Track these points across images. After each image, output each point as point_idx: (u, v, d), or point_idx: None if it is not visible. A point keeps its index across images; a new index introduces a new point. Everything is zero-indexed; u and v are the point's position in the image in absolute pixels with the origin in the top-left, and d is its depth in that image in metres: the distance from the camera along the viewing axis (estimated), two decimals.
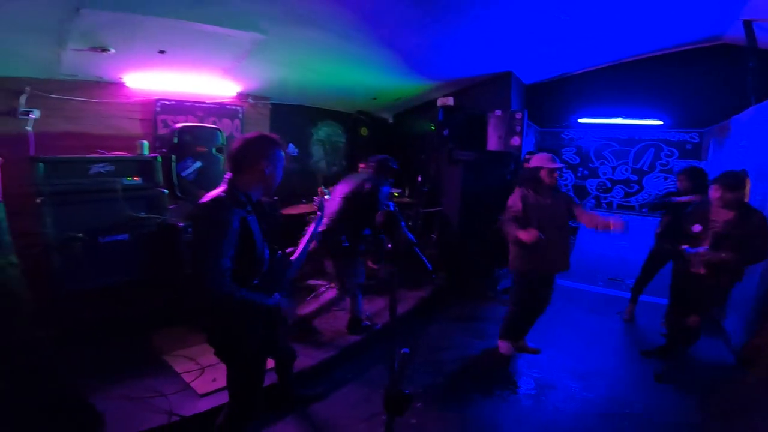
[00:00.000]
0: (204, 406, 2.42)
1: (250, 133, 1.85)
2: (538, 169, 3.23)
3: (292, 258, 2.09)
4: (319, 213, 2.67)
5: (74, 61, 3.13)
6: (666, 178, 5.90)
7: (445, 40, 4.10)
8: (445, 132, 5.16)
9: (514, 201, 3.23)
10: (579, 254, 5.56)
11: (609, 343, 3.88)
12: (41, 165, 2.82)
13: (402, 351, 1.20)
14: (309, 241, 2.27)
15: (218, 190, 1.72)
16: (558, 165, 3.25)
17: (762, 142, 3.53)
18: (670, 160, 5.86)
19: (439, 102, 5.60)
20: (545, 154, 3.38)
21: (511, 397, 2.97)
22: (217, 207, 1.64)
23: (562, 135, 6.44)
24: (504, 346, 3.50)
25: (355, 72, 4.57)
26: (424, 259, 1.15)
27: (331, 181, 5.03)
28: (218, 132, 3.84)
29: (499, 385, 3.10)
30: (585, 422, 2.69)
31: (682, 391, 3.02)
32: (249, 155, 1.75)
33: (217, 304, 1.65)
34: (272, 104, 4.89)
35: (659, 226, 4.13)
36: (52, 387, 2.10)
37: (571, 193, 6.54)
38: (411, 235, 1.15)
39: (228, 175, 1.77)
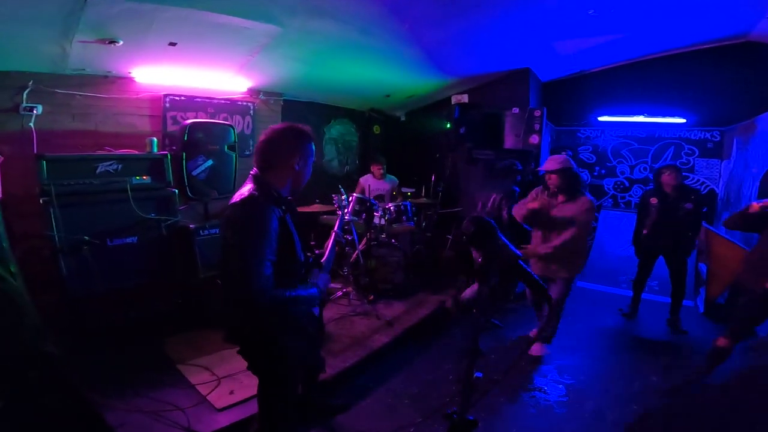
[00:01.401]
0: (223, 421, 2.26)
1: (279, 125, 1.68)
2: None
3: (322, 260, 1.93)
4: (339, 212, 2.59)
5: (82, 54, 2.97)
6: (686, 177, 5.74)
7: (466, 36, 3.93)
8: (462, 130, 5.00)
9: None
10: (598, 256, 5.42)
11: (636, 347, 3.73)
12: (45, 163, 2.66)
13: (475, 375, 1.04)
14: (335, 243, 2.12)
15: (247, 188, 1.54)
16: (546, 168, 3.26)
17: None
18: (690, 158, 5.70)
19: (454, 99, 5.44)
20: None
21: (542, 404, 2.81)
22: (254, 206, 1.45)
23: (578, 134, 6.27)
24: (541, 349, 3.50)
25: (370, 68, 4.40)
26: (536, 276, 0.93)
27: (345, 183, 4.88)
28: (230, 129, 3.67)
29: (527, 391, 2.95)
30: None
31: (717, 394, 2.87)
32: (281, 149, 1.59)
33: (262, 314, 1.49)
34: (284, 101, 4.73)
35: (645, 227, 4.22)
36: (60, 403, 1.94)
37: (588, 193, 6.39)
38: (514, 248, 0.89)
39: (254, 171, 1.61)
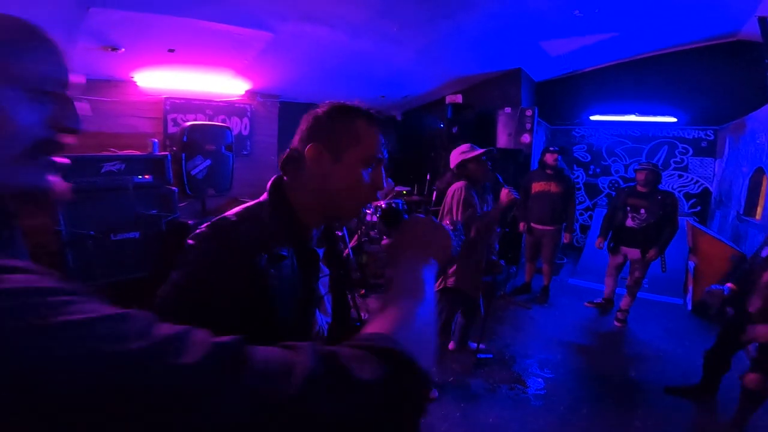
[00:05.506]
0: None
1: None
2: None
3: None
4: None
5: (85, 61, 3.17)
6: (680, 176, 5.78)
7: (455, 37, 4.06)
8: (454, 130, 5.12)
9: None
10: (590, 253, 5.49)
11: (619, 343, 3.81)
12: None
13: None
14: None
15: (245, 205, 0.85)
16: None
17: None
18: (684, 157, 5.73)
19: (448, 99, 5.55)
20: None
21: (520, 396, 2.93)
22: (210, 249, 0.77)
23: (573, 132, 6.34)
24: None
25: (363, 70, 4.55)
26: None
27: None
28: (227, 130, 3.85)
29: (507, 383, 3.07)
30: (596, 424, 2.66)
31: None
32: (304, 132, 0.86)
33: None
34: (281, 102, 4.90)
35: None
36: None
37: (583, 192, 6.46)
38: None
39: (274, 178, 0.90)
